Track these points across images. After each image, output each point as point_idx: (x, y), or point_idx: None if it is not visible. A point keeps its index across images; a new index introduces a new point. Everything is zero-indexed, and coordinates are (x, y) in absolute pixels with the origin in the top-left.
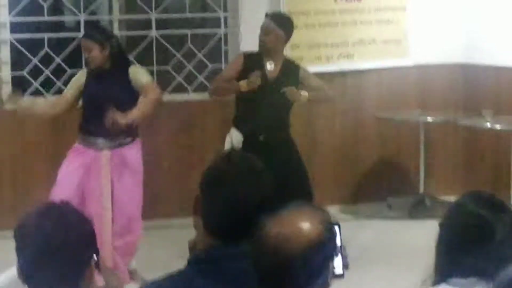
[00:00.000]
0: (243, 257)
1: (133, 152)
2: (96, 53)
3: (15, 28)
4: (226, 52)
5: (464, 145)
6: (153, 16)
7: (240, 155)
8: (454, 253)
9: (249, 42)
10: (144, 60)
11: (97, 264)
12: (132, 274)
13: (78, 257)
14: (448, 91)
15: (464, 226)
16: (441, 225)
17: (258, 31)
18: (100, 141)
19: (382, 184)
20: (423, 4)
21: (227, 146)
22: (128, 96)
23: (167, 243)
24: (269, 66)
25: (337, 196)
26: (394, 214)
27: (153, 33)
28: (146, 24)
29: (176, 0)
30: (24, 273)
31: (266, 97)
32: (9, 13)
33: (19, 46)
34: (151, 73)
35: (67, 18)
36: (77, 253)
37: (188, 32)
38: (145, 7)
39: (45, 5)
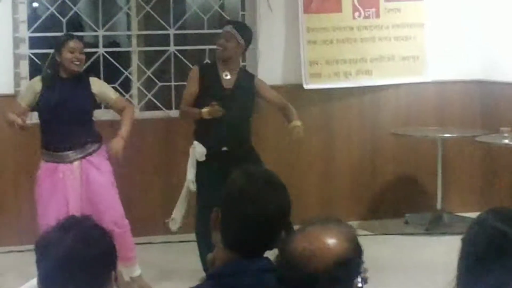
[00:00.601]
0: (261, 271)
1: (101, 158)
2: (83, 57)
3: (34, 43)
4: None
5: (481, 161)
6: (172, 32)
7: (259, 171)
8: (476, 269)
9: (267, 57)
10: (162, 75)
11: (115, 278)
12: (136, 283)
13: (98, 272)
14: (465, 108)
15: (485, 242)
16: (463, 241)
17: (277, 47)
18: (70, 153)
19: (400, 200)
20: (441, 21)
21: (191, 159)
22: (88, 105)
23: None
24: (225, 76)
25: (355, 212)
26: (412, 230)
27: (171, 48)
28: (165, 40)
29: (194, 17)
30: (44, 285)
31: (224, 109)
32: (28, 28)
33: (38, 61)
34: (169, 88)
35: (86, 34)
36: (98, 268)
37: (206, 47)
38: (164, 23)
39: (64, 21)
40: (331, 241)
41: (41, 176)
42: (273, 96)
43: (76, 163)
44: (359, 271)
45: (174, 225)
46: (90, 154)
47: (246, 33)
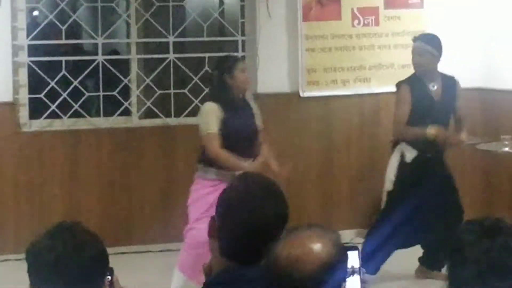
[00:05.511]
0: (258, 279)
1: None
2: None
3: (33, 51)
4: None
5: (482, 169)
6: (171, 39)
7: (256, 178)
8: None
9: (266, 65)
10: (161, 83)
11: (111, 283)
12: None
13: (90, 277)
14: (466, 116)
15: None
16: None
17: (276, 54)
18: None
19: None
20: (441, 28)
21: (394, 160)
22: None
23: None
24: (432, 87)
25: (354, 220)
26: None
27: (171, 56)
28: (164, 48)
29: (194, 24)
30: None
31: (433, 118)
32: (27, 36)
33: (37, 69)
34: (168, 96)
35: (85, 42)
36: (90, 273)
37: (206, 55)
38: (163, 31)
39: (63, 29)
40: (315, 246)
41: (207, 192)
42: (459, 105)
43: None
44: (345, 275)
45: None
46: None
47: (436, 43)
